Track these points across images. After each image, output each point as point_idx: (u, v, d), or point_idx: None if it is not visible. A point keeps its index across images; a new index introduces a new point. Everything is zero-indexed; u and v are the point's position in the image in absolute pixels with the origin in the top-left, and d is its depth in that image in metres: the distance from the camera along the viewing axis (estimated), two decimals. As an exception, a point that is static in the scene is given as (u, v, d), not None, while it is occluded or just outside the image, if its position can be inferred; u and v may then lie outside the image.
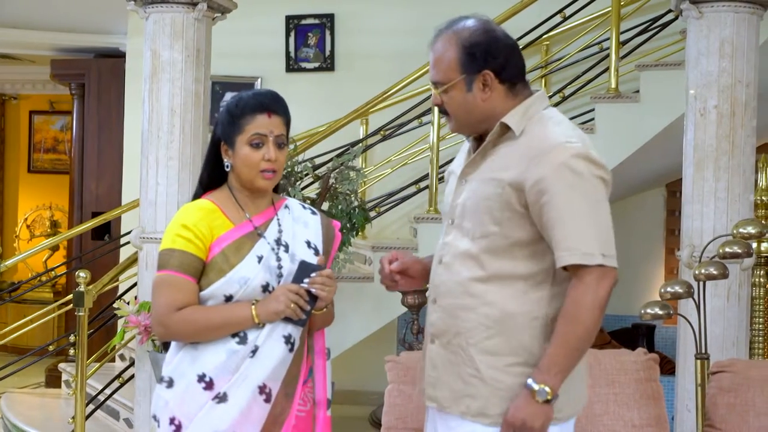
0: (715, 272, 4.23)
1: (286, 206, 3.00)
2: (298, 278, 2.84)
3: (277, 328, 2.83)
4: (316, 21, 8.48)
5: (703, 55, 4.87)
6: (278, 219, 2.95)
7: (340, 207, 5.83)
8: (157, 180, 5.27)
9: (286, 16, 8.41)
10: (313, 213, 3.05)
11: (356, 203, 5.88)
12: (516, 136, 2.69)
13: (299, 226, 2.97)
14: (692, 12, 4.87)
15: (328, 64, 8.46)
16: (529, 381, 2.61)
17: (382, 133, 6.93)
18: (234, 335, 2.82)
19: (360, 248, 6.56)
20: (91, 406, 6.06)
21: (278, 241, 2.90)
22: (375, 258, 6.43)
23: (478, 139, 2.81)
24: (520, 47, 6.66)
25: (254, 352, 2.82)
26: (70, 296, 7.37)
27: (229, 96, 7.85)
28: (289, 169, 5.92)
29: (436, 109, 6.51)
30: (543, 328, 2.67)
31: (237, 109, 2.88)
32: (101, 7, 8.51)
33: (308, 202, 5.89)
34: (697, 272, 4.24)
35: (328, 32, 8.47)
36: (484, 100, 2.72)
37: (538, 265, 2.65)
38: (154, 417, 2.90)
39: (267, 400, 2.84)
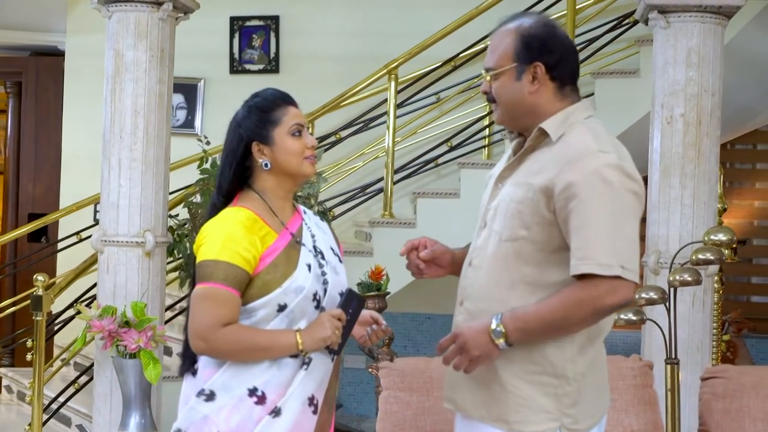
0: (689, 278, 4.28)
1: (305, 211, 2.97)
2: (342, 306, 2.81)
3: None
4: (261, 23, 8.42)
5: (669, 64, 4.94)
6: (307, 225, 2.91)
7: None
8: (119, 182, 5.16)
9: (230, 17, 8.33)
10: (321, 219, 3.04)
11: (316, 207, 5.85)
12: (553, 142, 2.68)
13: (321, 232, 2.94)
14: (659, 21, 4.93)
15: (272, 66, 8.40)
16: (497, 316, 2.59)
17: (337, 136, 6.89)
18: None
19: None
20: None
21: (315, 248, 2.87)
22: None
23: (520, 143, 2.81)
24: (474, 52, 6.86)
25: (308, 364, 2.78)
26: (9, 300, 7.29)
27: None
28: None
29: (391, 112, 6.59)
30: (566, 339, 2.65)
31: (268, 105, 2.86)
32: (39, 4, 8.35)
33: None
34: (671, 278, 4.30)
35: (273, 34, 8.42)
36: (531, 92, 2.71)
37: (564, 275, 2.62)
38: (180, 431, 2.82)
39: (315, 412, 2.80)
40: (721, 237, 4.54)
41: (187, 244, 5.75)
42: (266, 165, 2.85)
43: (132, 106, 5.17)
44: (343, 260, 2.98)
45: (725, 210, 5.95)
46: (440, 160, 7.16)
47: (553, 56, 2.70)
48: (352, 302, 2.82)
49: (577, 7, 6.54)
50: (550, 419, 2.65)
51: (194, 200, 5.79)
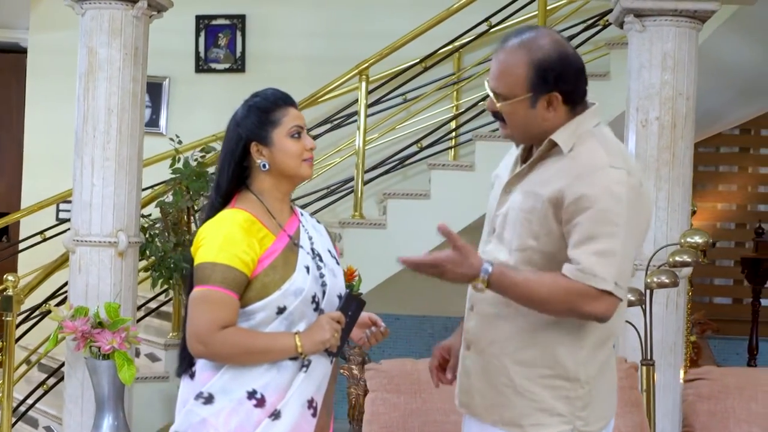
0: (666, 280, 4.33)
1: (301, 213, 2.95)
2: (342, 308, 2.79)
3: None
4: (227, 21, 8.37)
5: (645, 67, 4.97)
6: (304, 227, 2.89)
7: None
8: (92, 181, 5.10)
9: (196, 15, 8.26)
10: (318, 221, 3.02)
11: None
12: (563, 153, 2.66)
13: (317, 234, 2.92)
14: (635, 25, 4.97)
15: (238, 66, 8.36)
16: (486, 270, 2.56)
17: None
18: None
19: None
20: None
21: (313, 251, 2.84)
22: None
23: (527, 149, 2.80)
24: (446, 53, 6.87)
25: (307, 367, 2.76)
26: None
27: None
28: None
29: (362, 112, 6.58)
30: (578, 343, 2.66)
31: (268, 105, 2.82)
32: (1, 1, 8.23)
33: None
34: (648, 280, 4.34)
35: (239, 33, 8.37)
36: (545, 119, 2.66)
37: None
38: None
39: (314, 414, 2.78)
40: (697, 239, 4.59)
41: (158, 244, 5.71)
42: (264, 166, 2.82)
43: (105, 104, 5.11)
44: (340, 262, 2.96)
45: (695, 212, 6.01)
46: (408, 161, 7.15)
47: (568, 84, 2.65)
48: (351, 304, 2.80)
49: (548, 8, 6.56)
50: (563, 422, 2.66)
51: (166, 200, 5.74)
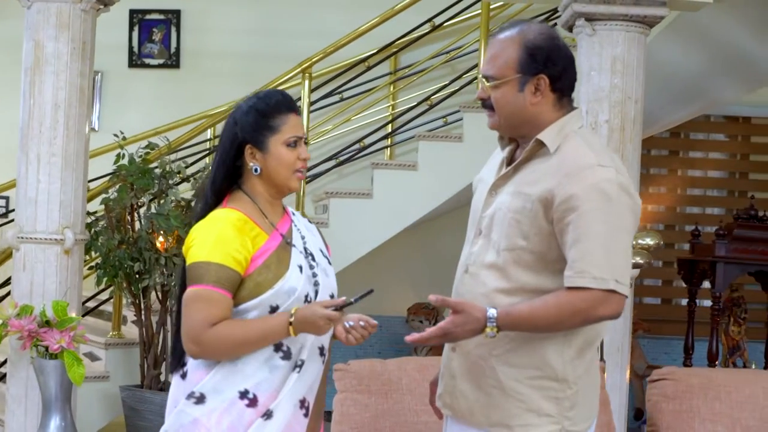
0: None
1: (293, 213, 2.92)
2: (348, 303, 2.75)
3: (314, 342, 2.76)
4: (162, 16, 8.29)
5: (595, 70, 5.03)
6: (296, 226, 2.86)
7: (217, 209, 5.71)
8: (38, 177, 4.99)
9: (129, 9, 8.15)
10: (309, 221, 2.99)
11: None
12: (550, 153, 2.69)
13: (310, 234, 2.90)
14: (586, 29, 5.02)
15: (173, 61, 8.28)
16: (491, 319, 2.58)
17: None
18: (277, 350, 2.72)
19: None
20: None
21: (305, 250, 2.82)
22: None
23: (512, 151, 2.82)
24: (389, 52, 6.87)
25: (300, 367, 2.73)
26: None
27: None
28: (167, 169, 5.78)
29: (305, 110, 6.55)
30: (566, 344, 2.68)
31: (269, 109, 2.76)
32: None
33: (183, 203, 5.76)
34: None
35: (174, 28, 8.29)
36: (533, 103, 2.70)
37: (563, 282, 2.63)
38: None
39: (306, 414, 2.76)
40: (648, 241, 4.69)
41: (102, 242, 5.62)
42: (256, 170, 2.78)
43: (52, 99, 5.00)
44: (331, 262, 2.95)
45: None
46: (349, 160, 7.15)
47: (556, 68, 2.70)
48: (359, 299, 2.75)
49: (491, 7, 6.61)
50: (551, 422, 2.67)
51: (110, 196, 5.66)
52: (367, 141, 7.06)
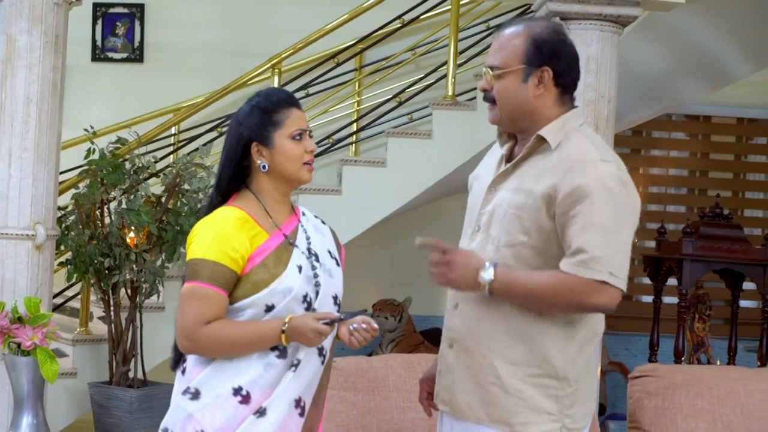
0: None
1: (303, 214, 2.93)
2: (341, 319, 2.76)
3: None
4: (126, 10, 8.23)
5: (569, 69, 5.06)
6: (303, 227, 2.87)
7: (187, 206, 5.68)
8: (9, 172, 4.93)
9: (93, 3, 8.11)
10: (323, 222, 3.00)
11: (204, 202, 5.74)
12: (551, 149, 2.70)
13: (319, 235, 2.90)
14: (560, 28, 5.06)
15: (136, 56, 8.24)
16: (492, 264, 2.62)
17: (218, 130, 6.79)
18: (273, 348, 2.72)
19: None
20: None
21: (309, 250, 2.82)
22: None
23: (511, 148, 2.84)
24: (360, 50, 6.88)
25: (296, 366, 2.73)
26: None
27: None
28: (137, 164, 5.73)
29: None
30: (568, 340, 2.70)
31: (272, 106, 2.80)
32: None
33: (153, 198, 5.73)
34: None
35: (137, 22, 8.23)
36: (535, 96, 2.71)
37: None
38: (166, 430, 2.75)
39: (301, 414, 2.76)
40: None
41: (72, 238, 5.57)
42: (264, 167, 2.81)
43: (25, 93, 4.95)
44: (341, 264, 2.95)
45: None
46: (315, 156, 7.13)
47: (561, 63, 2.72)
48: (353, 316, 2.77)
49: (461, 2, 6.64)
50: (552, 420, 2.70)
51: (81, 191, 5.61)
52: (336, 137, 7.04)
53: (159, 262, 5.66)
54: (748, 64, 7.41)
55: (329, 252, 2.90)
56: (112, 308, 5.67)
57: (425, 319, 8.50)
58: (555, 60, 2.72)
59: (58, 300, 6.36)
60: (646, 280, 7.25)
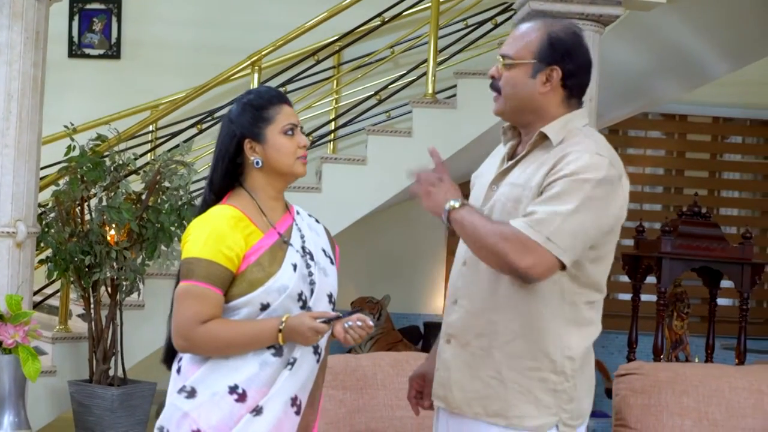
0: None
1: (298, 212, 2.94)
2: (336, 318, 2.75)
3: None
4: (102, 6, 8.19)
5: (550, 68, 5.07)
6: (297, 225, 2.87)
7: (168, 203, 5.66)
8: (-10, 169, 4.91)
9: (70, -1, 8.05)
10: (317, 221, 3.00)
11: (185, 199, 5.73)
12: (553, 146, 2.73)
13: (313, 234, 2.91)
14: (541, 27, 5.07)
15: (113, 52, 8.20)
16: (457, 200, 2.65)
17: (198, 127, 6.76)
18: (269, 346, 2.72)
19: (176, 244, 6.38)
20: None
21: (304, 249, 2.83)
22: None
23: (514, 146, 2.86)
24: (339, 48, 6.88)
25: (292, 364, 2.73)
26: None
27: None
28: (117, 161, 5.71)
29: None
30: (567, 335, 2.72)
31: (262, 102, 2.82)
32: None
33: (134, 195, 5.70)
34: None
35: (114, 19, 8.19)
36: (541, 93, 2.73)
37: (565, 274, 2.68)
38: (162, 429, 2.74)
39: (297, 413, 2.76)
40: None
41: (50, 235, 5.54)
42: (257, 163, 2.81)
43: (5, 89, 4.91)
44: (335, 263, 2.95)
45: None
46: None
47: (572, 65, 2.74)
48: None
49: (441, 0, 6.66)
50: (549, 414, 2.72)
51: (61, 188, 5.57)
52: (316, 135, 7.04)
53: (139, 260, 5.63)
54: (725, 64, 7.47)
55: (323, 250, 2.91)
56: (92, 306, 5.64)
57: (403, 317, 8.52)
58: (567, 61, 2.73)
59: (37, 298, 6.32)
60: (624, 278, 7.29)
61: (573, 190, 2.61)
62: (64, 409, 5.84)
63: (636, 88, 7.32)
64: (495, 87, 2.80)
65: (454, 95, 6.52)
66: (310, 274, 2.81)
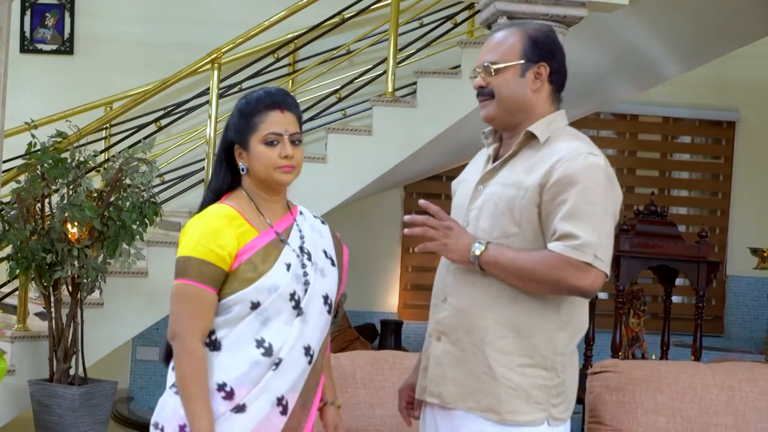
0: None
1: (301, 213, 2.94)
2: None
3: (298, 340, 2.77)
4: (55, 1, 8.09)
5: (515, 68, 5.11)
6: (298, 226, 2.88)
7: (129, 201, 5.62)
8: (-49, 166, 4.85)
9: (21, -7, 7.95)
10: (323, 222, 3.01)
11: (147, 196, 5.70)
12: (540, 145, 2.78)
13: (315, 234, 2.91)
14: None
15: (66, 48, 8.11)
16: (480, 246, 2.71)
17: (157, 124, 6.72)
18: (259, 346, 2.73)
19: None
20: None
21: (302, 249, 2.83)
22: (149, 253, 6.23)
23: (497, 149, 2.91)
24: (300, 45, 6.87)
25: (277, 364, 2.74)
26: None
27: None
28: (78, 158, 5.65)
29: (214, 101, 6.47)
30: (557, 332, 2.77)
31: (249, 108, 2.81)
32: None
33: (95, 193, 5.66)
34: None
35: (67, 14, 8.10)
36: (533, 90, 2.81)
37: None
38: (156, 425, 2.75)
39: (283, 413, 2.76)
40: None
41: (12, 232, 5.47)
42: (243, 169, 2.85)
43: (-33, 86, 4.86)
44: (342, 265, 2.97)
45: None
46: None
47: (555, 61, 2.84)
48: None
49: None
50: (539, 409, 2.77)
51: (22, 186, 5.51)
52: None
53: (101, 258, 5.58)
54: (677, 65, 7.59)
55: (324, 252, 2.91)
56: (53, 304, 5.58)
57: (359, 315, 8.55)
58: (550, 57, 2.83)
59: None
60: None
61: (589, 199, 2.68)
62: (24, 409, 5.78)
63: (592, 88, 7.39)
64: (484, 94, 2.86)
65: (414, 92, 6.54)
66: (305, 274, 2.81)
